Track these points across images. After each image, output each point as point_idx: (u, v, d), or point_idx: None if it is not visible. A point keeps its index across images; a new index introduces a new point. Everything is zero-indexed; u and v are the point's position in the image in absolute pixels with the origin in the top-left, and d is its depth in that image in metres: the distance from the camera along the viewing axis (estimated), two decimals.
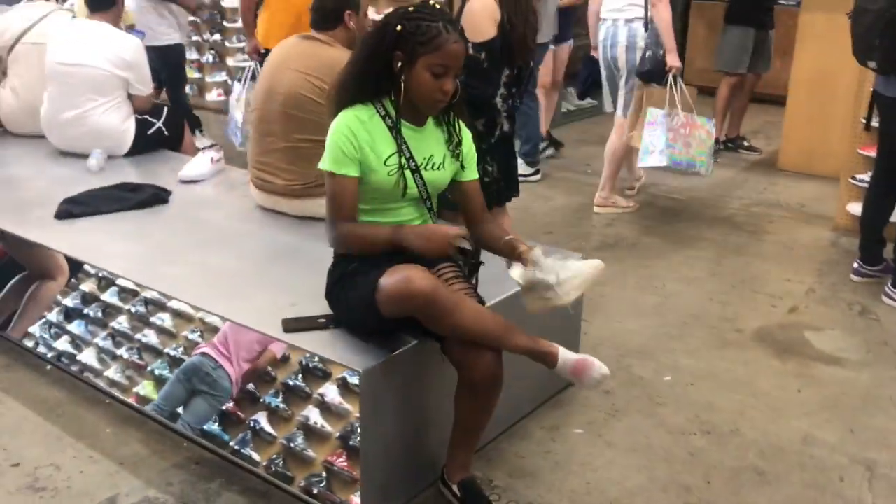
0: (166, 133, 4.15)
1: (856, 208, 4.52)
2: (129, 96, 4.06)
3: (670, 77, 4.41)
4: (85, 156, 3.89)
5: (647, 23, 4.48)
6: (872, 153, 4.42)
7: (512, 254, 2.27)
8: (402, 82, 2.16)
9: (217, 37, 7.47)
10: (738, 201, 5.19)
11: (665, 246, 4.42)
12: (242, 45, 7.26)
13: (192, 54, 7.68)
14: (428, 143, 2.27)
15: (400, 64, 2.15)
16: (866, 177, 4.46)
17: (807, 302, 3.76)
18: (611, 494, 2.43)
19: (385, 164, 2.20)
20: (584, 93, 6.12)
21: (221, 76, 7.55)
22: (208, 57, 7.59)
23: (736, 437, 2.73)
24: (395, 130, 2.21)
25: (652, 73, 4.46)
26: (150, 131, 4.08)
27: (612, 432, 2.74)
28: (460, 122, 2.35)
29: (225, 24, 7.37)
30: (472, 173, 2.38)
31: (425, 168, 2.26)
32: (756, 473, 2.54)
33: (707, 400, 2.94)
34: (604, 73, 4.92)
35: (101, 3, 4.03)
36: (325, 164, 2.22)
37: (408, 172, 2.22)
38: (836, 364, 3.21)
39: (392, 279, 2.11)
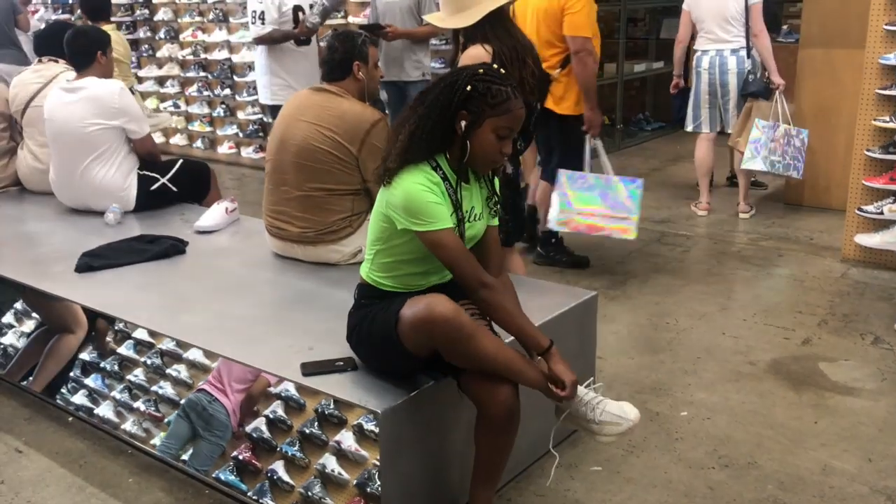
0: (174, 189, 4.12)
1: (863, 239, 4.56)
2: (131, 145, 4.04)
3: (777, 93, 5.22)
4: (100, 212, 3.96)
5: (749, 51, 5.32)
6: (877, 184, 4.48)
7: (531, 348, 2.28)
8: (465, 141, 2.19)
9: (227, 91, 7.63)
10: (746, 236, 5.23)
11: (675, 282, 4.46)
12: (252, 98, 7.43)
13: (203, 108, 7.85)
14: (471, 196, 2.31)
15: (464, 124, 2.18)
16: (872, 208, 4.51)
17: (819, 333, 3.77)
18: None
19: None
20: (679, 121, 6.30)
21: (232, 129, 7.70)
22: (219, 111, 7.74)
23: (754, 469, 2.73)
24: (453, 189, 2.24)
25: (758, 91, 5.27)
26: (153, 188, 4.07)
27: (631, 469, 2.75)
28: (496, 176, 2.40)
29: (235, 78, 7.53)
30: (494, 220, 2.42)
31: (468, 220, 2.29)
32: None
33: (724, 433, 2.95)
34: (705, 98, 5.53)
35: (82, 60, 4.02)
36: (427, 227, 2.16)
37: (459, 228, 2.25)
38: (851, 394, 3.22)
39: (413, 307, 2.16)
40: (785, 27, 7.02)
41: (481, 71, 2.20)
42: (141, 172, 4.07)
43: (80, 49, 4.02)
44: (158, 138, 7.33)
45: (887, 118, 4.41)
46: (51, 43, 4.55)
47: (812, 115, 5.59)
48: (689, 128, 5.66)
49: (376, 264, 2.34)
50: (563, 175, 4.25)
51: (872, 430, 2.95)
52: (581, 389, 2.24)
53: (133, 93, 4.58)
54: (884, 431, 2.94)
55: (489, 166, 2.29)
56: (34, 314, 3.88)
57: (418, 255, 2.27)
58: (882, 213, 4.47)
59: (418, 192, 2.17)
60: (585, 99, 4.26)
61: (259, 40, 5.33)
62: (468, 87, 2.16)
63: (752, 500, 2.56)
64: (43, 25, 6.86)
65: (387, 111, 5.92)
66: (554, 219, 4.29)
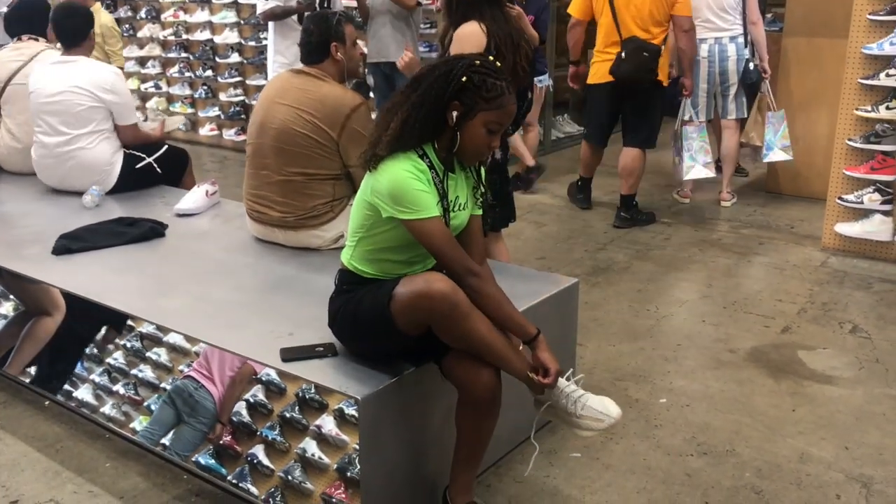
0: (158, 170, 4.11)
1: (843, 228, 4.59)
2: (117, 129, 4.04)
3: (767, 83, 5.37)
4: (79, 193, 3.92)
5: (747, 38, 5.32)
6: (858, 174, 4.50)
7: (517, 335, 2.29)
8: (455, 132, 2.17)
9: (209, 72, 7.55)
10: (727, 224, 5.25)
11: (656, 269, 4.47)
12: (235, 80, 7.36)
13: (185, 90, 7.77)
14: (457, 186, 2.30)
15: (456, 114, 2.15)
16: (852, 197, 4.54)
17: (799, 321, 3.80)
18: None
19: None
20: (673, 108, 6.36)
21: (214, 111, 7.62)
22: (201, 92, 7.66)
23: (732, 456, 2.75)
24: (439, 179, 2.22)
25: (756, 81, 5.37)
26: (139, 165, 4.06)
27: (610, 455, 2.76)
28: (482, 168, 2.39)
29: (217, 59, 7.45)
30: (478, 209, 2.41)
31: (453, 210, 2.28)
32: (753, 492, 2.56)
33: (703, 420, 2.97)
34: (704, 86, 5.46)
35: (75, 38, 4.03)
36: (413, 214, 2.15)
37: (445, 217, 2.24)
38: (829, 382, 3.24)
39: (411, 284, 2.14)
40: (769, 15, 7.03)
41: (478, 62, 2.18)
42: (127, 151, 4.07)
43: (74, 26, 4.05)
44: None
45: (869, 108, 4.43)
46: (27, 22, 4.50)
47: (795, 104, 5.61)
48: (686, 116, 5.52)
49: (358, 252, 2.32)
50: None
51: (849, 419, 2.98)
52: (562, 382, 2.24)
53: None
54: (860, 420, 2.97)
55: (476, 158, 2.28)
56: (11, 297, 3.84)
57: (402, 243, 2.26)
58: (862, 202, 4.50)
59: (405, 180, 2.15)
60: (687, 69, 5.18)
61: (263, 16, 5.33)
62: (464, 78, 2.14)
63: (730, 487, 2.58)
64: (5, 7, 6.72)
65: (372, 95, 5.88)
66: (687, 169, 5.28)
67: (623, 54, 4.93)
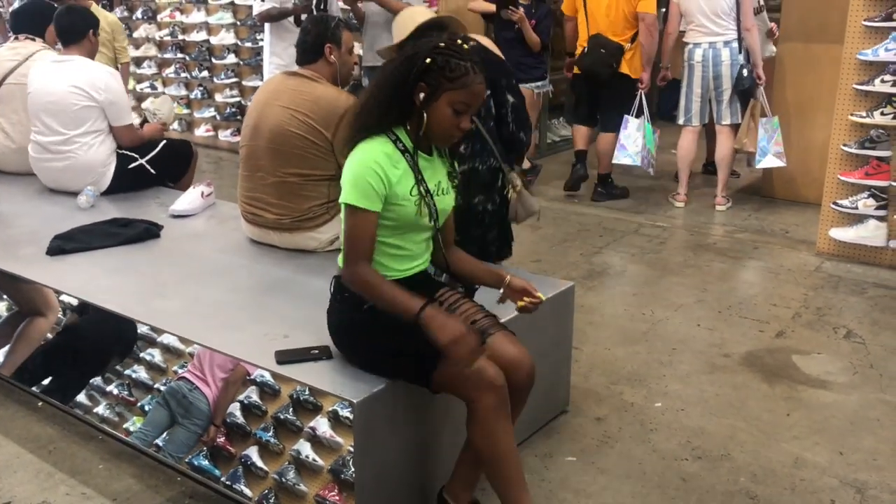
0: (152, 171, 4.10)
1: (838, 234, 4.60)
2: (112, 130, 4.02)
3: (762, 88, 5.37)
4: (73, 193, 3.91)
5: (741, 43, 5.34)
6: (852, 179, 4.51)
7: (499, 283, 2.36)
8: (422, 113, 2.18)
9: (205, 73, 7.54)
10: (722, 228, 5.26)
11: (651, 273, 4.47)
12: (231, 81, 7.35)
13: (181, 90, 7.75)
14: (435, 170, 2.31)
15: (423, 95, 2.17)
16: (847, 202, 4.55)
17: (793, 326, 3.80)
18: None
19: (410, 195, 2.21)
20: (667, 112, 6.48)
21: (210, 112, 7.61)
22: (197, 93, 7.65)
23: (727, 461, 2.75)
24: (413, 161, 2.23)
25: (750, 87, 5.37)
26: (131, 166, 4.05)
27: (605, 459, 2.76)
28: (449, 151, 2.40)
29: (213, 60, 7.44)
30: (453, 197, 2.42)
31: (436, 194, 2.29)
32: (748, 497, 2.56)
33: (698, 425, 2.97)
34: (698, 91, 5.54)
35: (72, 36, 4.04)
36: (348, 197, 2.17)
37: (427, 200, 2.25)
38: (823, 387, 3.25)
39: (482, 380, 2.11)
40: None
41: (442, 44, 2.19)
42: (120, 151, 4.06)
43: (74, 26, 4.05)
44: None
45: (864, 113, 4.45)
46: (29, 21, 4.50)
47: (790, 109, 5.62)
48: (681, 121, 5.68)
49: None
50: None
51: (844, 424, 2.98)
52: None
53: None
54: (855, 425, 2.97)
55: (446, 141, 2.27)
56: (4, 297, 3.82)
57: (390, 234, 2.25)
58: (857, 207, 4.51)
59: (364, 169, 2.16)
60: (646, 62, 5.54)
61: (259, 17, 5.33)
62: (427, 60, 2.15)
63: (725, 493, 2.58)
64: (17, 3, 6.73)
65: None
66: (634, 153, 5.60)
67: (586, 49, 5.56)
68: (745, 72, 5.32)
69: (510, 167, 3.14)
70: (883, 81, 4.36)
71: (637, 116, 5.61)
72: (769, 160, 5.41)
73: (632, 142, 5.61)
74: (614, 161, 5.71)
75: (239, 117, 7.32)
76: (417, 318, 2.12)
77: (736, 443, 2.85)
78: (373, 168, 2.15)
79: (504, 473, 2.17)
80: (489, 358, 2.18)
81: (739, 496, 2.56)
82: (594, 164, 5.96)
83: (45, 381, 3.33)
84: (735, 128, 5.50)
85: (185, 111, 7.78)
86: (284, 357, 2.38)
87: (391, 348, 2.22)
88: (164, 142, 4.25)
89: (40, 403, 3.09)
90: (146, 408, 3.08)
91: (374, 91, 2.25)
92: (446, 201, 2.34)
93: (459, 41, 2.22)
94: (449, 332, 2.09)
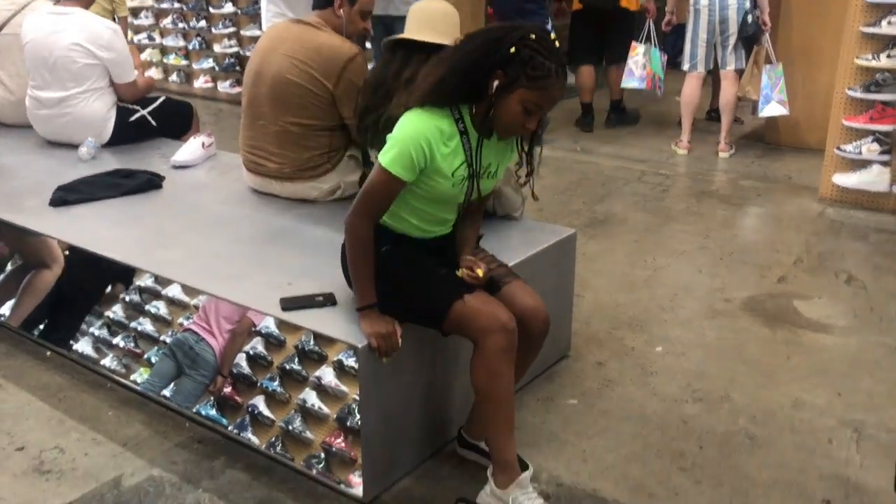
0: (153, 123, 4.08)
1: (841, 179, 4.58)
2: (115, 87, 4.01)
3: (767, 35, 5.37)
4: (74, 146, 3.90)
5: None
6: (857, 124, 4.48)
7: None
8: (493, 102, 2.10)
9: (203, 23, 7.45)
10: (725, 175, 5.24)
11: (654, 220, 4.48)
12: (229, 31, 7.27)
13: (178, 41, 7.68)
14: (491, 152, 2.25)
15: (497, 84, 2.06)
16: (851, 147, 4.53)
17: (795, 271, 3.82)
18: (607, 460, 2.49)
19: (453, 175, 2.18)
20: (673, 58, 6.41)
21: (208, 63, 7.54)
22: (195, 44, 7.58)
23: (727, 403, 2.79)
24: (468, 143, 2.18)
25: (755, 34, 5.36)
26: (132, 119, 4.03)
27: (606, 402, 2.80)
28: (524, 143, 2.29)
29: (211, 10, 7.35)
30: (499, 178, 2.38)
31: (483, 176, 2.25)
32: (747, 437, 2.60)
33: (698, 368, 3.00)
34: (704, 36, 5.51)
35: None
36: (384, 158, 2.12)
37: (467, 182, 2.21)
38: (824, 331, 3.27)
39: (483, 303, 2.15)
40: None
41: (533, 36, 2.07)
42: (121, 104, 4.03)
43: None
44: None
45: (870, 56, 4.40)
46: None
47: (795, 54, 5.56)
48: (686, 66, 5.63)
49: None
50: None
51: (843, 366, 3.01)
52: (524, 481, 2.22)
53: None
54: (854, 367, 3.00)
55: (507, 135, 2.19)
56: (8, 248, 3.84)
57: (422, 201, 2.24)
58: (861, 152, 4.49)
59: (409, 132, 2.11)
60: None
61: None
62: (512, 49, 2.04)
63: (724, 433, 2.62)
64: None
65: (369, 46, 5.80)
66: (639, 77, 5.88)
67: None
68: (749, 18, 5.26)
69: None
70: (890, 23, 4.30)
71: (644, 43, 5.82)
72: (772, 108, 5.37)
73: (639, 66, 5.81)
74: (622, 85, 6.00)
75: (238, 68, 7.26)
76: (360, 308, 2.22)
77: (736, 385, 2.89)
78: (420, 141, 2.10)
79: (498, 416, 2.20)
80: (505, 306, 2.20)
81: (739, 436, 2.61)
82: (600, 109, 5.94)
83: (41, 326, 3.37)
84: (739, 73, 5.47)
85: (184, 62, 7.71)
86: (289, 304, 2.41)
87: (404, 290, 2.24)
88: (164, 97, 4.22)
89: (48, 353, 3.13)
90: (152, 360, 3.10)
91: (449, 62, 2.14)
92: (490, 184, 2.30)
93: (552, 36, 2.13)
94: (377, 327, 2.18)
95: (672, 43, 6.29)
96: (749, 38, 5.37)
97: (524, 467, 2.35)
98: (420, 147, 2.10)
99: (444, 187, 2.19)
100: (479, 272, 2.22)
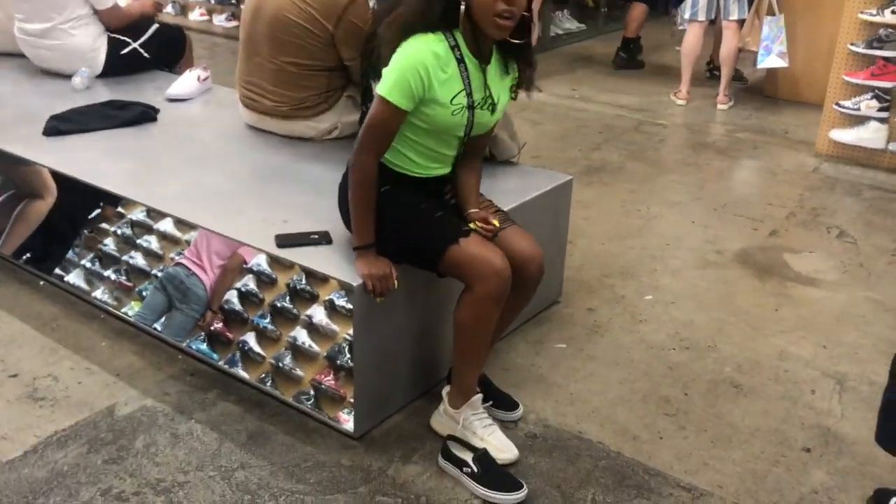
0: (146, 55, 4.03)
1: (838, 135, 4.58)
2: (97, 14, 3.94)
3: None
4: (67, 75, 3.85)
5: None
6: (857, 79, 4.46)
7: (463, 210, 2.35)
8: (463, 4, 2.07)
9: None
10: (722, 127, 5.23)
11: (649, 170, 4.47)
12: None
13: None
14: (490, 81, 2.22)
15: None
16: (850, 103, 4.51)
17: (787, 225, 3.84)
18: (593, 404, 2.53)
19: (452, 102, 2.15)
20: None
21: None
22: None
23: (714, 352, 2.83)
24: (465, 71, 2.15)
25: None
26: (124, 52, 3.97)
27: (594, 347, 2.84)
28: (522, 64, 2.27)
29: None
30: (498, 115, 2.35)
31: (480, 107, 2.22)
32: (732, 386, 2.65)
33: (687, 318, 3.03)
34: None
35: None
36: (383, 89, 2.10)
37: (465, 112, 2.18)
38: (812, 284, 3.31)
39: (483, 249, 2.16)
40: None
41: None
42: (112, 35, 3.97)
43: None
44: None
45: (874, 11, 4.36)
46: None
47: (799, 7, 5.49)
48: (687, 15, 5.56)
49: None
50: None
51: (829, 320, 3.05)
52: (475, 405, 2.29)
53: None
54: (840, 321, 3.05)
55: (497, 28, 2.09)
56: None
57: (422, 134, 2.22)
58: (859, 108, 4.48)
59: (406, 60, 2.08)
60: None
61: None
62: None
63: (710, 381, 2.67)
64: None
65: None
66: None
67: None
68: None
69: None
70: None
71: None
72: (772, 60, 5.31)
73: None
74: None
75: (234, 1, 7.13)
76: (357, 247, 2.24)
77: (723, 335, 2.93)
78: (417, 67, 2.08)
79: (470, 350, 2.25)
80: (502, 251, 2.21)
81: (724, 385, 2.65)
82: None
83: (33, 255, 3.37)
84: (741, 24, 5.40)
85: None
86: (284, 241, 2.41)
87: (401, 231, 2.25)
88: (156, 25, 4.15)
89: (42, 283, 3.14)
90: (144, 293, 3.11)
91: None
92: (487, 116, 2.26)
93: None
94: (373, 268, 2.20)
95: None
96: None
97: (514, 406, 2.41)
98: (417, 73, 2.09)
99: (443, 116, 2.17)
100: (496, 222, 2.25)
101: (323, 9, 3.00)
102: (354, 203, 2.23)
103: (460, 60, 2.14)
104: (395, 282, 2.23)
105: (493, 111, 2.26)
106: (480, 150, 2.43)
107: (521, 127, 3.81)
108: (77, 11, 3.87)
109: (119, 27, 3.99)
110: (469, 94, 2.17)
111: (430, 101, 2.13)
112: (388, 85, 2.10)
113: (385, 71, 2.12)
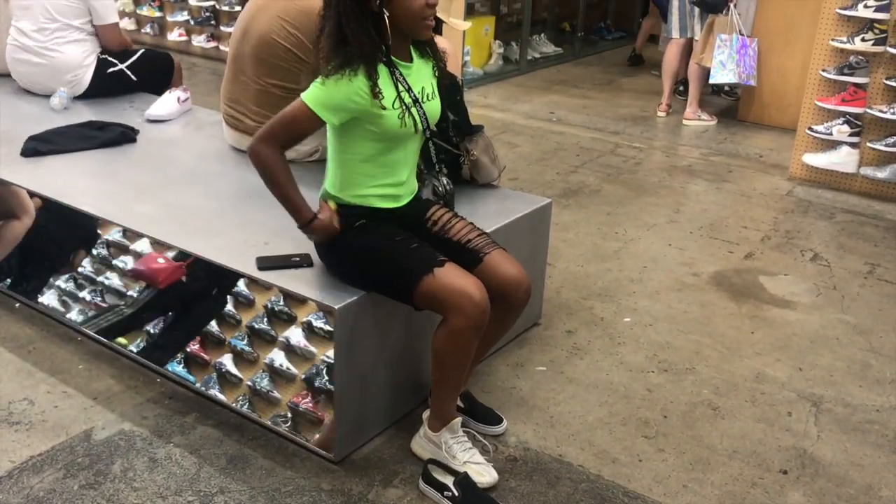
0: (133, 78, 4.04)
1: (811, 159, 4.66)
2: (97, 33, 3.97)
3: (732, 6, 5.36)
4: (47, 96, 3.84)
5: None
6: (829, 105, 4.55)
7: None
8: (387, 16, 2.11)
9: None
10: (697, 151, 5.30)
11: (626, 193, 4.52)
12: None
13: None
14: (419, 75, 2.29)
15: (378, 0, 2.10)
16: (822, 128, 4.60)
17: (762, 248, 3.89)
18: (573, 427, 2.54)
19: (393, 107, 2.18)
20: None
21: (183, 16, 7.40)
22: None
23: (691, 374, 2.86)
24: (397, 72, 2.20)
25: (715, 4, 5.42)
26: (110, 71, 3.99)
27: (574, 369, 2.85)
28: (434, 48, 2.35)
29: None
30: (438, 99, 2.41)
31: (423, 100, 2.27)
32: (710, 408, 2.67)
33: (665, 340, 3.06)
34: (676, 3, 5.77)
35: None
36: (309, 97, 2.16)
37: (413, 109, 2.22)
38: (787, 307, 3.35)
39: (457, 278, 2.15)
40: None
41: None
42: (101, 56, 3.99)
43: None
44: None
45: (845, 39, 4.45)
46: None
47: (772, 33, 5.60)
48: (676, 34, 5.83)
49: (339, 176, 2.30)
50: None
51: (805, 342, 3.09)
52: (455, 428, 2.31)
53: None
54: (815, 343, 3.09)
55: (423, 29, 2.18)
56: None
57: (379, 151, 2.24)
58: (831, 133, 4.56)
59: (344, 92, 2.13)
60: None
61: None
62: None
63: (688, 403, 2.69)
64: None
65: None
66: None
67: None
68: None
69: (462, 152, 2.97)
70: (866, 6, 4.35)
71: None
72: (724, 76, 5.45)
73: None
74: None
75: (213, 22, 7.14)
76: (302, 225, 2.26)
77: (701, 357, 2.96)
78: (350, 97, 2.13)
79: (449, 379, 2.25)
80: (487, 277, 2.22)
81: (702, 407, 2.67)
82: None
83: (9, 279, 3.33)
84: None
85: (158, 14, 7.56)
86: (266, 263, 2.41)
87: (377, 263, 2.25)
88: (143, 50, 4.16)
89: (17, 305, 3.10)
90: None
91: (336, 30, 2.14)
92: (432, 106, 2.32)
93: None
94: (326, 228, 2.26)
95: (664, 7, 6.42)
96: (711, 6, 5.48)
97: (498, 420, 2.48)
98: (351, 102, 2.13)
99: (391, 122, 2.19)
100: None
101: (310, 34, 2.99)
102: (273, 188, 2.25)
103: (388, 63, 2.19)
104: (336, 222, 2.27)
105: (432, 99, 2.32)
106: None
107: (499, 149, 3.85)
108: (78, 24, 3.90)
109: (115, 49, 4.01)
110: (409, 90, 2.22)
111: (370, 115, 2.17)
112: (318, 94, 2.15)
113: (318, 81, 2.16)
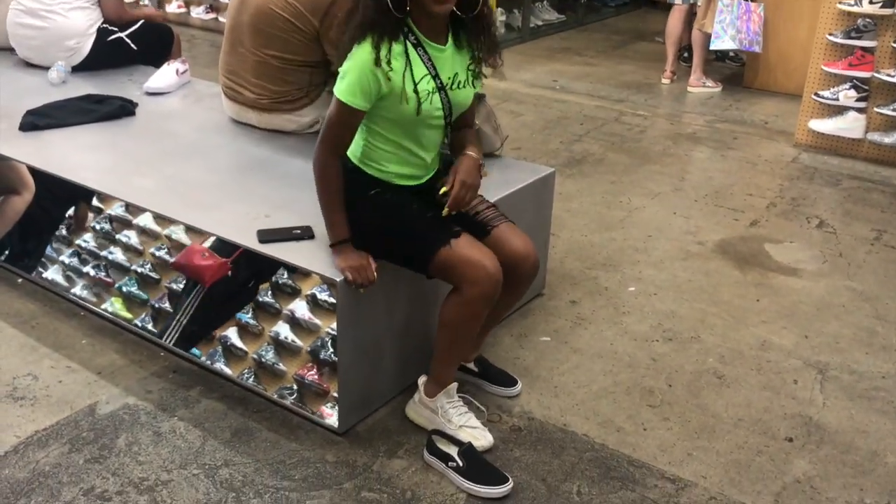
0: (133, 47, 4.00)
1: (817, 125, 4.61)
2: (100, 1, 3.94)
3: None
4: (44, 68, 3.80)
5: None
6: (835, 69, 4.49)
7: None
8: None
9: None
10: (702, 118, 5.25)
11: (631, 162, 4.48)
12: None
13: None
14: (452, 62, 2.22)
15: None
16: (828, 93, 4.54)
17: (767, 216, 3.86)
18: (577, 396, 2.54)
19: (417, 89, 2.13)
20: None
21: None
22: None
23: (696, 343, 2.84)
24: (425, 54, 2.15)
25: None
26: (110, 38, 3.94)
27: (578, 339, 2.84)
28: (487, 38, 2.25)
29: None
30: (478, 86, 2.34)
31: (452, 87, 2.22)
32: (715, 377, 2.66)
33: (670, 309, 3.05)
34: None
35: None
36: (337, 89, 2.12)
37: (436, 95, 2.18)
38: (793, 274, 3.33)
39: (474, 250, 2.14)
40: None
41: None
42: (101, 25, 3.95)
43: None
44: None
45: (853, 1, 4.38)
46: None
47: None
48: (678, 0, 5.79)
49: (359, 150, 2.28)
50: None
51: (810, 309, 3.08)
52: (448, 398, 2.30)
53: None
54: (821, 310, 3.07)
55: (440, 2, 2.09)
56: None
57: (398, 133, 2.22)
58: (838, 98, 4.51)
59: (361, 66, 2.08)
60: None
61: None
62: None
63: (693, 372, 2.68)
64: None
65: None
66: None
67: None
68: None
69: None
70: None
71: None
72: (725, 42, 5.41)
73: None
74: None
75: None
76: (333, 244, 2.23)
77: (706, 326, 2.94)
78: (371, 68, 2.07)
79: (454, 347, 2.26)
80: (495, 250, 2.21)
81: (707, 375, 2.67)
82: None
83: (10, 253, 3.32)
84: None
85: None
86: (267, 236, 2.39)
87: (392, 232, 2.24)
88: (142, 21, 4.11)
89: (20, 280, 3.10)
90: (124, 289, 3.08)
91: (353, 5, 2.13)
92: (462, 94, 2.26)
93: None
94: (350, 261, 2.20)
95: None
96: None
97: (513, 382, 2.51)
98: (368, 74, 2.08)
99: (411, 109, 2.14)
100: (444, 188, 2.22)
101: (309, 3, 2.96)
102: (322, 199, 2.23)
103: (416, 45, 2.14)
104: (375, 273, 2.22)
105: (463, 87, 2.25)
106: (470, 120, 2.42)
107: (502, 118, 3.83)
108: None
109: (117, 22, 3.98)
110: (436, 77, 2.17)
111: (393, 95, 2.13)
112: (342, 86, 2.12)
113: (341, 70, 2.13)
